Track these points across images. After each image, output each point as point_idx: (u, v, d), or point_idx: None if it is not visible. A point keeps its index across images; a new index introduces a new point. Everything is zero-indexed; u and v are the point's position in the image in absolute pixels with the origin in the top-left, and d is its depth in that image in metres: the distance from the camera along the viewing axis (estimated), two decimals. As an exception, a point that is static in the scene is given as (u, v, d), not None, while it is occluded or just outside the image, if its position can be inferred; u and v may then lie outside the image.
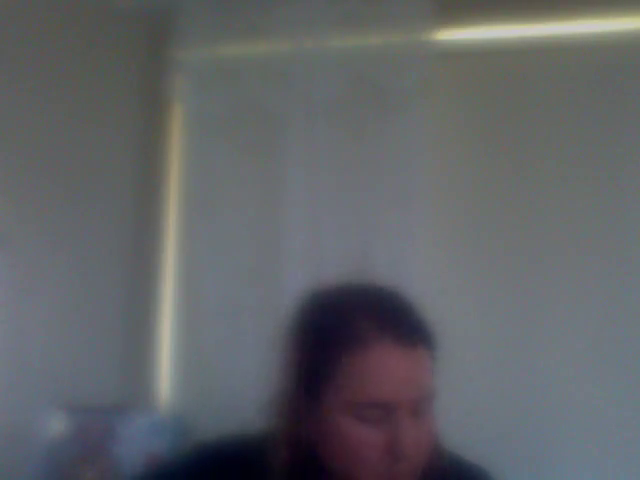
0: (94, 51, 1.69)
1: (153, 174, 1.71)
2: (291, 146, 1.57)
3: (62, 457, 1.45)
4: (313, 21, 1.57)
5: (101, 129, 1.70)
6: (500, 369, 1.49)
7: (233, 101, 1.61)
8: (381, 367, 0.78)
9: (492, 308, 1.51)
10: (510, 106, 1.56)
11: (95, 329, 1.64)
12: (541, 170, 1.53)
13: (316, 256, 1.51)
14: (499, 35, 1.57)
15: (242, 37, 1.62)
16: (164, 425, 1.48)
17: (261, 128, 1.61)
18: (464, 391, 1.40)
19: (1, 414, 1.53)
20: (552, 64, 1.55)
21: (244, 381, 1.42)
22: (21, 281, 1.60)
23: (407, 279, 1.41)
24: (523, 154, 1.54)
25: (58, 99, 1.67)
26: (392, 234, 1.49)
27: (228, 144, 1.62)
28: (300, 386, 0.83)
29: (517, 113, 1.56)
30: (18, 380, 1.57)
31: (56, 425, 1.47)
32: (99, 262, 1.66)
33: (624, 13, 1.51)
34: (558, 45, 1.55)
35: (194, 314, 1.62)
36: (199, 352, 1.59)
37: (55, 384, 1.56)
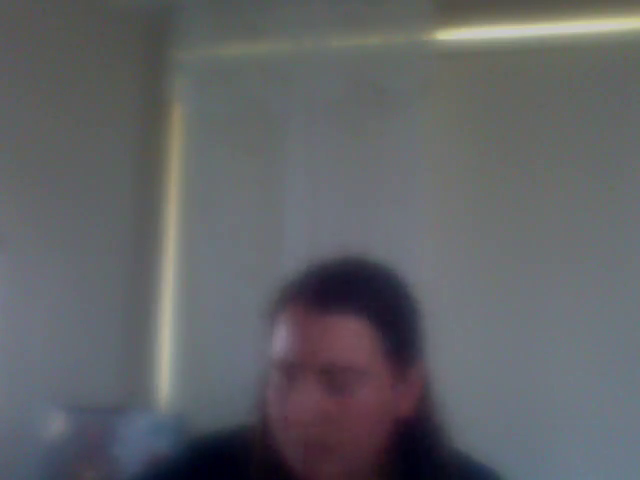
0: (94, 51, 1.69)
1: (153, 174, 1.71)
2: (291, 146, 1.57)
3: (62, 457, 1.45)
4: (313, 21, 1.57)
5: (101, 130, 1.70)
6: (500, 369, 1.49)
7: (233, 101, 1.62)
8: (286, 326, 0.77)
9: (492, 307, 1.51)
10: (510, 106, 1.56)
11: (95, 329, 1.64)
12: (541, 169, 1.53)
13: (316, 256, 1.50)
14: (499, 35, 1.57)
15: (242, 37, 1.62)
16: (164, 425, 1.48)
17: (261, 128, 1.61)
18: (464, 392, 1.39)
19: (1, 414, 1.53)
20: (552, 64, 1.55)
21: (244, 380, 1.41)
22: (21, 281, 1.60)
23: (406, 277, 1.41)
24: (523, 153, 1.54)
25: (58, 99, 1.67)
26: (392, 233, 1.49)
27: (228, 144, 1.62)
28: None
29: (517, 113, 1.56)
30: (18, 380, 1.57)
31: (56, 425, 1.46)
32: (99, 262, 1.66)
33: (624, 13, 1.51)
34: (558, 45, 1.55)
35: (194, 314, 1.62)
36: (199, 352, 1.59)
37: (55, 384, 1.56)
